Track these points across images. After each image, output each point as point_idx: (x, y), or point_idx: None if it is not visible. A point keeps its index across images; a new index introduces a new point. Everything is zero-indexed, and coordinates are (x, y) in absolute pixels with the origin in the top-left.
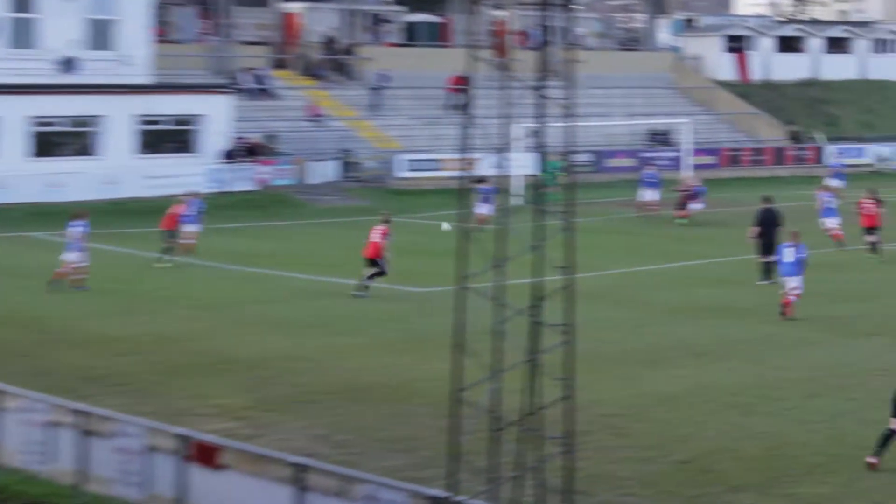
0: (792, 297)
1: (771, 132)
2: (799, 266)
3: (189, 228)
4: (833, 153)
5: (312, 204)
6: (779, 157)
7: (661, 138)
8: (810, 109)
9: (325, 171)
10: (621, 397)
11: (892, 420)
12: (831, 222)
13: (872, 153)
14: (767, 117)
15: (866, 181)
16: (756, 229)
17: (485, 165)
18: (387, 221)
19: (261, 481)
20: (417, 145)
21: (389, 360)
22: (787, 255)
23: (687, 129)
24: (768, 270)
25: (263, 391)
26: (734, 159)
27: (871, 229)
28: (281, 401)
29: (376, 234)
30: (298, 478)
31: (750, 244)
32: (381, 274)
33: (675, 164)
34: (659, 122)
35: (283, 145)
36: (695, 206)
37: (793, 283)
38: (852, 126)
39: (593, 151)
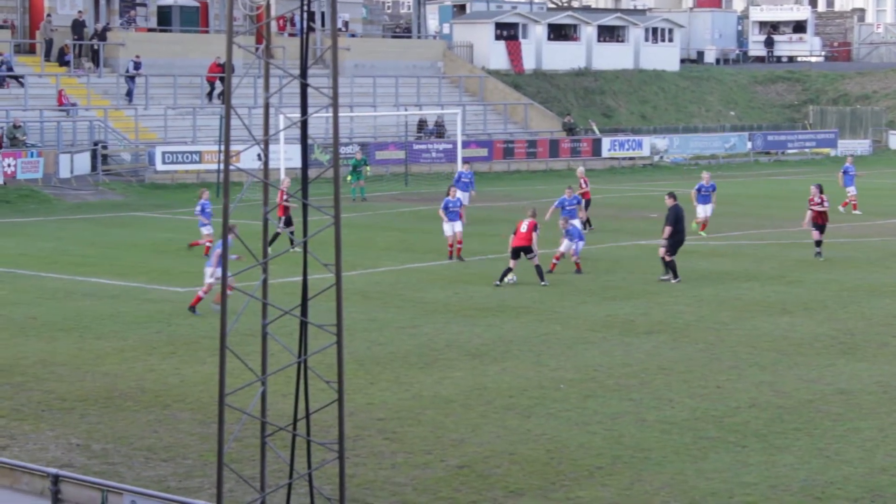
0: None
1: (545, 123)
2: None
3: None
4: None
5: (62, 199)
6: (554, 149)
7: (433, 129)
8: (584, 100)
9: (76, 165)
10: (394, 400)
11: None
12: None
13: (649, 145)
14: (541, 108)
15: (643, 174)
16: (669, 229)
17: (247, 157)
18: (534, 215)
19: (14, 494)
20: (175, 137)
21: (151, 365)
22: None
23: (458, 120)
24: (675, 268)
25: (15, 399)
26: (508, 151)
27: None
28: (34, 409)
29: (524, 226)
30: (55, 489)
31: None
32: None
33: (448, 156)
34: (429, 113)
35: (30, 136)
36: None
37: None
38: (628, 117)
39: (362, 143)
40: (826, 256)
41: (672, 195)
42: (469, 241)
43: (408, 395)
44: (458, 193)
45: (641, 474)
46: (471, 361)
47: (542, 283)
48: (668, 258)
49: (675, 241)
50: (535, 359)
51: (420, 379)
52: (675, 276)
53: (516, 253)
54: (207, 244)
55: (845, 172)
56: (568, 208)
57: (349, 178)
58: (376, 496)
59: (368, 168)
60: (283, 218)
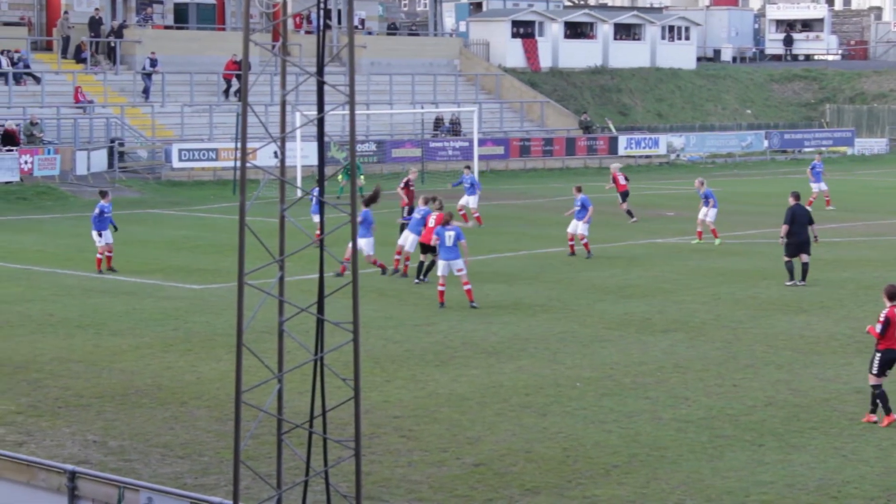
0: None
1: (561, 121)
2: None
3: None
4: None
5: (79, 196)
6: (570, 147)
7: (449, 127)
8: (601, 98)
9: (93, 162)
10: (410, 398)
11: (871, 377)
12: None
13: (665, 144)
14: (557, 106)
15: (659, 172)
16: (786, 228)
17: (264, 155)
18: (441, 207)
19: (31, 490)
20: (192, 134)
21: (167, 362)
22: (448, 238)
23: (475, 118)
24: (793, 269)
25: (32, 395)
26: (524, 149)
27: None
28: (51, 405)
29: (433, 220)
30: (71, 486)
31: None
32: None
33: (465, 153)
34: (445, 111)
35: (47, 133)
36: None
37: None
38: (644, 115)
39: (377, 141)
40: (841, 255)
41: (794, 195)
42: (485, 239)
43: (423, 393)
44: (465, 198)
45: (657, 473)
46: (486, 359)
47: (417, 280)
48: (784, 258)
49: (790, 242)
50: (551, 357)
51: (436, 377)
52: (791, 278)
53: (424, 248)
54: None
55: (813, 169)
56: (577, 209)
57: (340, 177)
58: (392, 494)
59: (363, 177)
60: (407, 208)
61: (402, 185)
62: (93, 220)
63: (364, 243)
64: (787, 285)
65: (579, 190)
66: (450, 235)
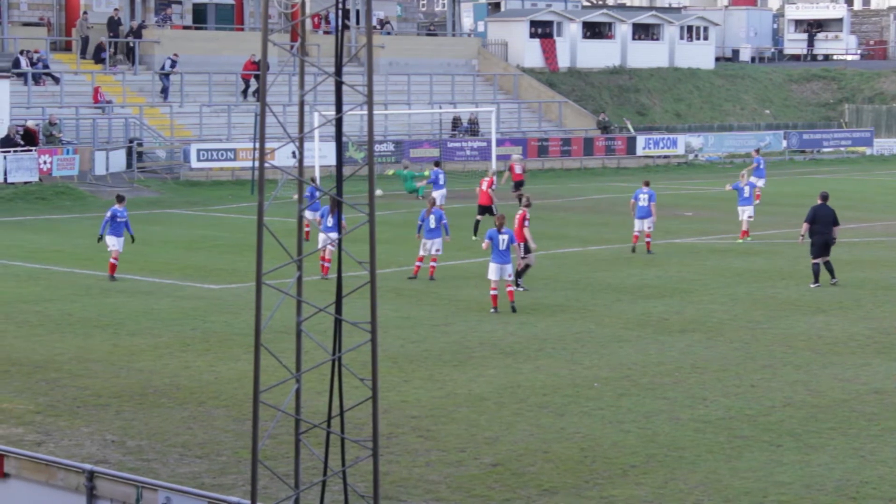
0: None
1: (579, 121)
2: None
3: None
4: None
5: (98, 196)
6: (588, 147)
7: (467, 127)
8: (619, 98)
9: (111, 162)
10: (428, 398)
11: None
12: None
13: (684, 144)
14: (575, 106)
15: (677, 172)
16: (806, 226)
17: (282, 155)
18: (528, 206)
19: (49, 490)
20: (210, 134)
21: (186, 361)
22: (502, 242)
23: (493, 118)
24: (819, 272)
25: (50, 395)
26: (542, 149)
27: None
28: (69, 405)
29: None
30: (90, 485)
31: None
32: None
33: (483, 153)
34: (463, 111)
35: (66, 133)
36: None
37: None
38: (662, 116)
39: (395, 141)
40: (859, 256)
41: (822, 195)
42: None
43: (441, 393)
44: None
45: (675, 473)
46: (504, 359)
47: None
48: (811, 260)
49: (813, 242)
50: (568, 357)
51: (454, 377)
52: (816, 280)
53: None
54: None
55: (758, 166)
56: (640, 205)
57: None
58: (410, 494)
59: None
60: (483, 207)
61: (491, 186)
62: (103, 225)
63: (323, 238)
64: (812, 287)
65: (647, 184)
66: (503, 239)
